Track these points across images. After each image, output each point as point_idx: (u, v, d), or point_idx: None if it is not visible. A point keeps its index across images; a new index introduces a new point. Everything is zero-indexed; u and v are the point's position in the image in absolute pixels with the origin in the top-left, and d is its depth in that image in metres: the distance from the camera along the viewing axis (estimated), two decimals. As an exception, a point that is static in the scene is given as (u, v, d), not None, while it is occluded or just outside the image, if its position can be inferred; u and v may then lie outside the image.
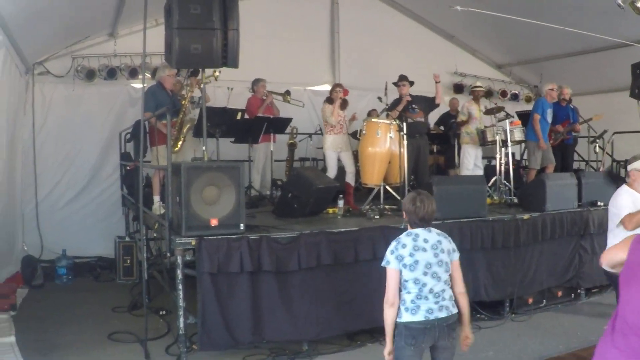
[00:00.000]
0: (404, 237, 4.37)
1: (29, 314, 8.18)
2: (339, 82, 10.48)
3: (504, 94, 15.65)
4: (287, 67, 12.74)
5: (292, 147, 11.56)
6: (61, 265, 10.11)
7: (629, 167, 6.20)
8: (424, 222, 4.39)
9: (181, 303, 6.25)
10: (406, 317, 4.25)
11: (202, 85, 7.19)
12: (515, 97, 15.66)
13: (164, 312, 7.87)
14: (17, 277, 9.49)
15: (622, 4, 8.89)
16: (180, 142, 8.44)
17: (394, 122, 9.06)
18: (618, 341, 3.10)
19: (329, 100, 9.72)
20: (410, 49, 14.23)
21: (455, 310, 4.35)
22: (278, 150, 11.28)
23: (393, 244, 4.36)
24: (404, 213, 4.52)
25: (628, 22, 9.56)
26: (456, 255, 4.46)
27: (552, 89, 10.95)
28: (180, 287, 6.24)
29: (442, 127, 12.36)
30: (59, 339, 7.15)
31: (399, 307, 4.29)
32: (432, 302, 4.25)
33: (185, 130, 8.46)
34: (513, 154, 12.77)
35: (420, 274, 4.26)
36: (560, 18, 10.99)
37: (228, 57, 6.56)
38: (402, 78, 10.26)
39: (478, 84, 11.27)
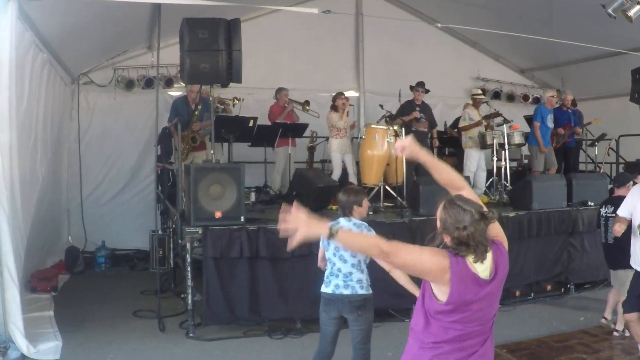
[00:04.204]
0: (330, 223, 5.30)
1: (68, 294, 9.34)
2: (341, 92, 11.30)
3: (525, 97, 16.14)
4: (314, 74, 13.73)
5: (311, 150, 12.41)
6: (100, 255, 11.31)
7: None
8: (342, 209, 5.36)
9: (189, 283, 7.38)
10: (322, 288, 5.28)
11: (211, 98, 8.22)
12: (537, 101, 15.83)
13: (184, 295, 8.90)
14: (61, 264, 10.66)
15: (612, 13, 9.52)
16: (186, 152, 9.72)
17: (392, 128, 9.96)
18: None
19: (335, 108, 10.67)
20: (434, 56, 14.93)
21: (362, 292, 5.14)
22: (300, 153, 12.25)
23: None
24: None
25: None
26: None
27: (552, 96, 11.70)
28: (189, 269, 7.37)
29: (456, 130, 13.02)
30: (91, 314, 8.30)
31: None
32: (340, 280, 5.16)
33: (189, 143, 9.78)
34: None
35: (331, 254, 5.23)
36: (572, 24, 11.60)
37: (233, 74, 7.59)
38: (420, 84, 11.20)
39: (478, 91, 11.92)
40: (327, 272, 5.29)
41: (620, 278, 7.37)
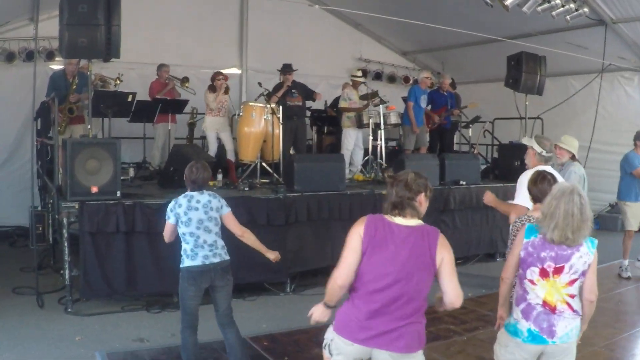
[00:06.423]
0: (181, 198, 5.46)
1: (-57, 275, 9.18)
2: (219, 71, 11.42)
3: (406, 79, 16.88)
4: (198, 51, 13.83)
5: (191, 126, 12.48)
6: (-22, 233, 11.11)
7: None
8: (196, 185, 5.48)
9: (66, 257, 7.46)
10: (187, 263, 5.42)
11: (89, 72, 8.26)
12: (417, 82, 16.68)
13: (63, 271, 8.92)
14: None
15: (489, 1, 9.96)
16: (64, 124, 9.83)
17: (269, 106, 10.25)
18: (359, 304, 3.72)
19: (212, 88, 10.85)
20: (318, 36, 15.34)
21: (227, 257, 5.49)
22: (180, 129, 12.34)
23: (172, 203, 5.47)
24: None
25: (518, 16, 10.43)
26: (225, 210, 5.53)
27: (426, 77, 12.27)
28: (66, 244, 7.44)
29: (334, 110, 13.28)
30: (-32, 293, 8.23)
31: (181, 255, 5.47)
32: (207, 251, 5.38)
33: (66, 115, 9.90)
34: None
35: (194, 228, 5.37)
36: (452, 10, 12.21)
37: (111, 49, 7.63)
38: (286, 66, 11.44)
39: (358, 73, 12.33)
40: (189, 247, 5.40)
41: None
